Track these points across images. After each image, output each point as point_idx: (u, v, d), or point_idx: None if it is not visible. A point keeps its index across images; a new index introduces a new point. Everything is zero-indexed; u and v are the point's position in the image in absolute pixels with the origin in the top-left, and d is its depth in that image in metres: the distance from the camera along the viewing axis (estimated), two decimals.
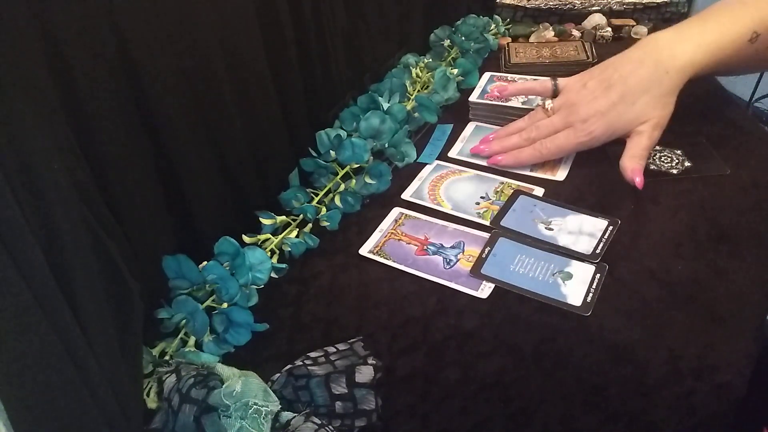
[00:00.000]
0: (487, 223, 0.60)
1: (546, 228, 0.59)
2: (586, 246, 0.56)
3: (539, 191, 0.64)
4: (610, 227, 0.58)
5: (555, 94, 0.67)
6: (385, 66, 0.83)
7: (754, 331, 0.47)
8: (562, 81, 0.67)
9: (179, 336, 0.49)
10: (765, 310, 0.49)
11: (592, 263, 0.54)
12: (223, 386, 0.40)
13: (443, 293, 0.53)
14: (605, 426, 0.42)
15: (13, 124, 0.33)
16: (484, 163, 0.69)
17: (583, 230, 0.58)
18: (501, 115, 0.76)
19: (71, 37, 0.41)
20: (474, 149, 0.70)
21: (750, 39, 0.62)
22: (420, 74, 0.83)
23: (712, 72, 0.64)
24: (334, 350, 0.47)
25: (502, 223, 0.60)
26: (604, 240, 0.57)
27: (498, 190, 0.65)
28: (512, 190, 0.64)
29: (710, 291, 0.51)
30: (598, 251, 0.55)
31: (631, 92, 0.61)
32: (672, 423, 0.42)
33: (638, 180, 0.60)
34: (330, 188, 0.65)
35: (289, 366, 0.45)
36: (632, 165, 0.61)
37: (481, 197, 0.64)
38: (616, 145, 0.63)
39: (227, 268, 0.51)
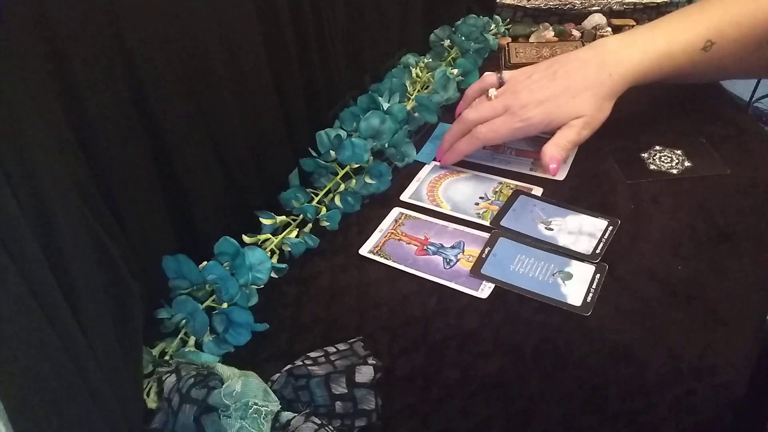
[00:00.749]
0: (487, 223, 0.60)
1: (546, 228, 0.59)
2: (586, 246, 0.56)
3: (538, 191, 0.64)
4: (610, 227, 0.58)
5: (500, 85, 0.67)
6: (385, 66, 0.83)
7: (754, 331, 0.47)
8: (507, 73, 0.68)
9: (179, 336, 0.49)
10: (765, 310, 0.49)
11: (592, 263, 0.54)
12: (223, 386, 0.40)
13: (443, 293, 0.53)
14: (605, 426, 0.42)
15: (13, 124, 0.33)
16: (482, 163, 0.69)
17: (583, 230, 0.58)
18: None
19: (71, 37, 0.41)
20: (437, 159, 0.70)
21: (703, 47, 0.61)
22: (420, 74, 0.83)
23: (663, 79, 0.64)
24: (334, 350, 0.47)
25: (502, 223, 0.60)
26: (604, 240, 0.57)
27: (497, 190, 0.65)
28: (511, 190, 0.64)
29: (710, 291, 0.51)
30: (598, 251, 0.55)
31: (574, 87, 0.61)
32: (672, 423, 0.42)
33: (553, 167, 0.61)
34: (330, 188, 0.64)
35: (289, 366, 0.45)
36: (552, 152, 0.61)
37: (480, 197, 0.64)
38: (616, 145, 0.63)
39: (227, 268, 0.51)
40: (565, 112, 0.62)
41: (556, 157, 0.61)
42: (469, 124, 0.65)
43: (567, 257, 0.55)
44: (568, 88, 0.62)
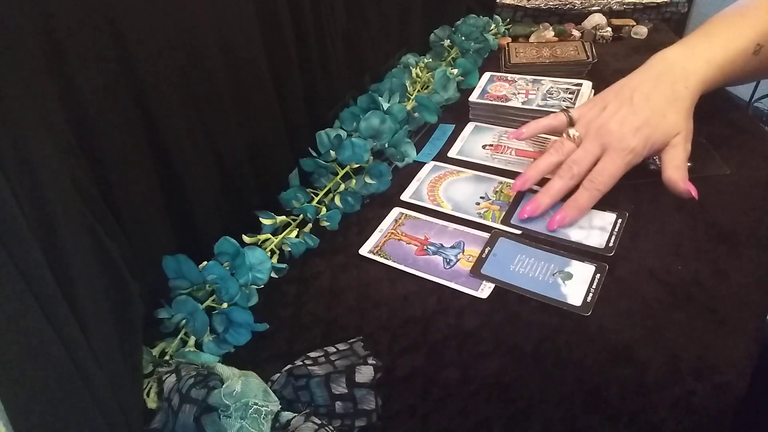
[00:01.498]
0: (489, 222, 0.60)
1: None
2: (598, 240, 0.56)
3: (536, 189, 0.64)
4: (620, 220, 0.58)
5: (571, 123, 0.64)
6: (385, 66, 0.83)
7: (754, 331, 0.47)
8: (575, 111, 0.65)
9: (179, 336, 0.49)
10: (765, 310, 0.49)
11: (593, 262, 0.54)
12: (223, 386, 0.40)
13: (443, 293, 0.53)
14: (605, 426, 0.42)
15: (13, 124, 0.33)
16: (481, 162, 0.69)
17: (594, 224, 0.58)
18: (501, 115, 0.76)
19: (71, 38, 0.41)
20: (523, 213, 0.60)
21: (754, 51, 0.62)
22: (420, 74, 0.83)
23: (722, 85, 0.65)
24: (334, 350, 0.47)
25: (513, 221, 0.60)
26: (615, 233, 0.57)
27: (497, 190, 0.65)
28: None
29: (710, 291, 0.51)
30: (611, 245, 0.56)
31: (658, 108, 0.60)
32: (672, 423, 0.42)
33: (694, 192, 0.58)
34: (330, 188, 0.65)
35: (289, 366, 0.45)
36: (680, 175, 0.58)
37: (481, 197, 0.64)
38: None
39: (227, 268, 0.51)
40: (663, 132, 0.59)
41: (686, 178, 0.58)
42: (576, 178, 0.60)
43: (572, 256, 0.55)
44: (655, 110, 0.60)
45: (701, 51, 0.63)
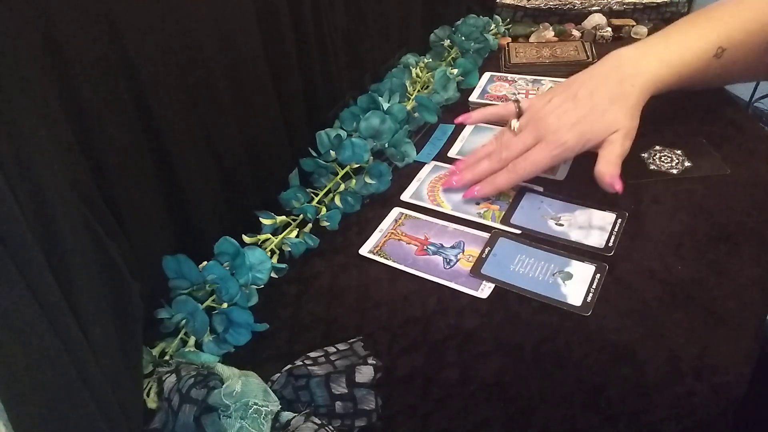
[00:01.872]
0: (489, 222, 0.60)
1: (556, 224, 0.59)
2: (598, 240, 0.57)
3: (538, 189, 0.64)
4: (619, 219, 0.58)
5: (519, 115, 0.65)
6: (385, 66, 0.83)
7: (754, 331, 0.47)
8: (524, 101, 0.66)
9: (179, 336, 0.49)
10: (765, 310, 0.49)
11: (593, 262, 0.54)
12: (223, 386, 0.40)
13: (443, 293, 0.53)
14: (605, 426, 0.42)
15: (13, 124, 0.33)
16: None
17: (593, 224, 0.58)
18: None
19: (71, 38, 0.41)
20: (445, 183, 0.66)
21: (715, 54, 0.61)
22: (420, 74, 0.83)
23: (678, 87, 0.64)
24: (334, 350, 0.47)
25: (512, 221, 0.60)
26: (615, 233, 0.57)
27: None
28: (513, 190, 0.64)
29: (710, 291, 0.51)
30: (611, 244, 0.56)
31: (600, 104, 0.60)
32: (672, 423, 0.42)
33: (618, 186, 0.59)
34: (330, 188, 0.65)
35: (289, 366, 0.45)
36: (609, 170, 0.59)
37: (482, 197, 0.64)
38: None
39: (227, 268, 0.51)
40: (600, 129, 0.60)
41: (615, 175, 0.59)
42: (503, 162, 0.63)
43: (571, 256, 0.55)
44: (595, 106, 0.60)
45: (656, 51, 0.62)
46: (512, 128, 0.64)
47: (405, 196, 0.66)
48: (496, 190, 0.63)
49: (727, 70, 0.64)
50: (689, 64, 0.62)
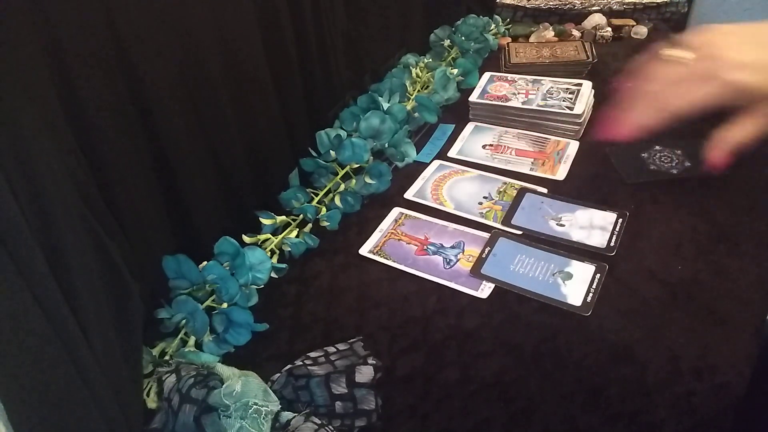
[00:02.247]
0: (490, 222, 0.60)
1: (557, 224, 0.59)
2: (599, 240, 0.57)
3: (542, 191, 0.64)
4: (620, 219, 0.58)
5: None
6: (385, 66, 0.83)
7: (754, 331, 0.47)
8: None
9: (179, 336, 0.49)
10: (765, 310, 0.49)
11: (593, 262, 0.54)
12: (223, 386, 0.40)
13: (443, 293, 0.53)
14: (605, 426, 0.42)
15: (13, 124, 0.33)
16: (481, 162, 0.69)
17: (594, 224, 0.58)
18: (501, 115, 0.76)
19: (71, 39, 0.41)
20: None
21: None
22: (420, 74, 0.83)
23: None
24: (334, 350, 0.47)
25: (513, 221, 0.60)
26: (616, 233, 0.57)
27: (501, 190, 0.65)
28: (515, 191, 0.64)
29: (710, 291, 0.51)
30: (612, 244, 0.56)
31: None
32: (672, 423, 0.42)
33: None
34: (330, 188, 0.64)
35: (289, 366, 0.45)
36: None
37: (484, 197, 0.64)
38: (616, 145, 0.63)
39: (227, 268, 0.51)
40: None
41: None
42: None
43: (572, 256, 0.55)
44: None
45: None
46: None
47: (409, 194, 0.66)
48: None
49: None
50: None
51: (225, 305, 0.50)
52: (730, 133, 0.56)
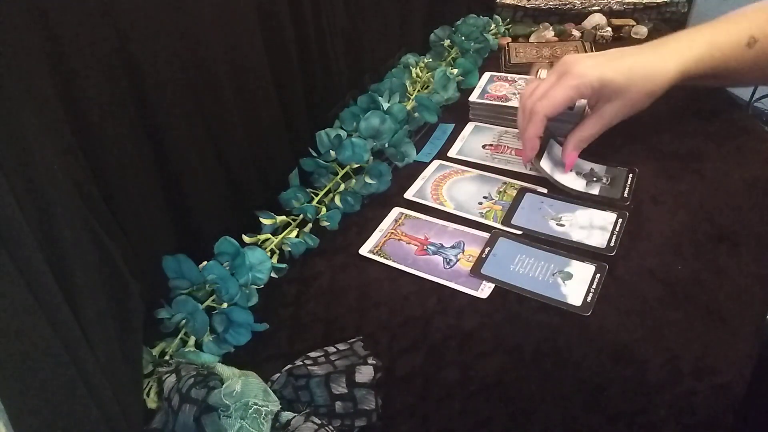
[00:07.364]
0: (490, 222, 0.60)
1: (557, 224, 0.59)
2: (599, 240, 0.57)
3: (542, 191, 0.64)
4: (620, 219, 0.58)
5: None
6: (385, 66, 0.83)
7: (754, 331, 0.47)
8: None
9: (179, 336, 0.49)
10: (765, 310, 0.49)
11: (593, 262, 0.54)
12: (223, 386, 0.40)
13: (443, 293, 0.53)
14: (605, 426, 0.42)
15: (13, 125, 0.33)
16: (485, 162, 0.69)
17: (594, 224, 0.58)
18: (501, 115, 0.76)
19: (72, 39, 0.41)
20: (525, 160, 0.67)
21: (747, 43, 0.62)
22: (420, 74, 0.83)
23: (713, 71, 0.63)
24: (334, 350, 0.47)
25: (513, 221, 0.60)
26: (616, 233, 0.57)
27: (501, 190, 0.65)
28: (515, 191, 0.64)
29: (710, 291, 0.51)
30: (612, 244, 0.56)
31: (632, 59, 0.61)
32: (672, 423, 0.42)
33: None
34: (330, 188, 0.65)
35: (289, 366, 0.45)
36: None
37: (484, 197, 0.64)
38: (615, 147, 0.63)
39: (227, 268, 0.51)
40: (626, 71, 0.61)
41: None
42: (528, 108, 0.62)
43: (571, 256, 0.55)
44: (624, 56, 0.62)
45: (688, 35, 0.63)
46: (538, 78, 0.64)
47: (408, 194, 0.66)
48: (529, 143, 0.62)
49: (760, 63, 0.64)
50: (721, 47, 0.62)
51: (225, 305, 0.50)
52: (578, 133, 0.62)
